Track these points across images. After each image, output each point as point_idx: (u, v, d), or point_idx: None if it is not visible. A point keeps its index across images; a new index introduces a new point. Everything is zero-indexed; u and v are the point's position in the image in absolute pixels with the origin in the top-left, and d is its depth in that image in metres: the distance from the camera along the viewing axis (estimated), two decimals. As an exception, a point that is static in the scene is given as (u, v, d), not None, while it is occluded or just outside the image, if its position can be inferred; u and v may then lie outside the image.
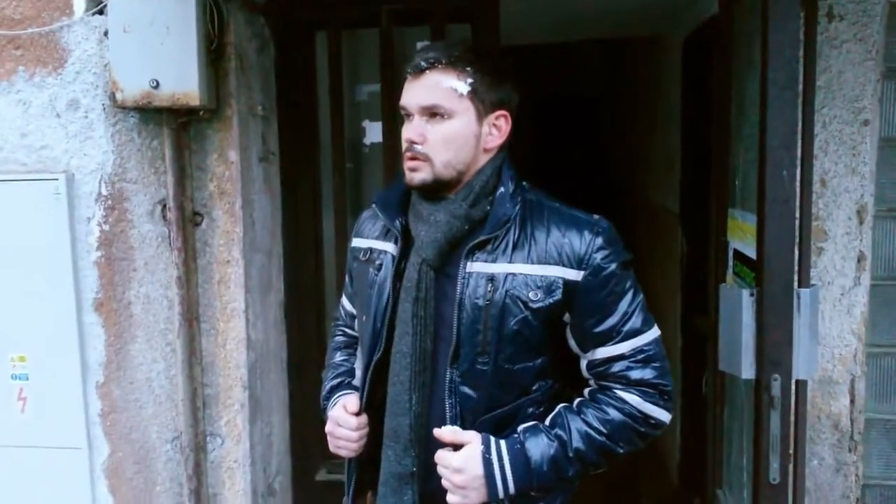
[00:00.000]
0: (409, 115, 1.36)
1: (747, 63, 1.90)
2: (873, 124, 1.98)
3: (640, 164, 4.54)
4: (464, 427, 1.34)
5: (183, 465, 2.27)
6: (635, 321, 1.34)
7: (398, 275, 1.40)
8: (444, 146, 1.33)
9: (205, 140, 2.21)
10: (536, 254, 1.32)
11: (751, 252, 1.73)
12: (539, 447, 1.31)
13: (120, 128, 2.23)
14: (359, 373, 1.55)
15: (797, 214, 1.54)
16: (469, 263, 1.33)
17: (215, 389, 2.29)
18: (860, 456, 2.05)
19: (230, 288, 2.25)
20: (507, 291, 1.31)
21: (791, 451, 1.58)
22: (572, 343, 1.38)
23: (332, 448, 1.48)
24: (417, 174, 1.34)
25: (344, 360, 1.62)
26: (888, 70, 2.01)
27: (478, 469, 1.30)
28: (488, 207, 1.36)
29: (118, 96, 2.08)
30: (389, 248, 1.43)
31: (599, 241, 1.32)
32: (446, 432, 1.32)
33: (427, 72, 1.33)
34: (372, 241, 1.48)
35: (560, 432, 1.33)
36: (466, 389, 1.34)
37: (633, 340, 1.34)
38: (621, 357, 1.34)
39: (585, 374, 1.40)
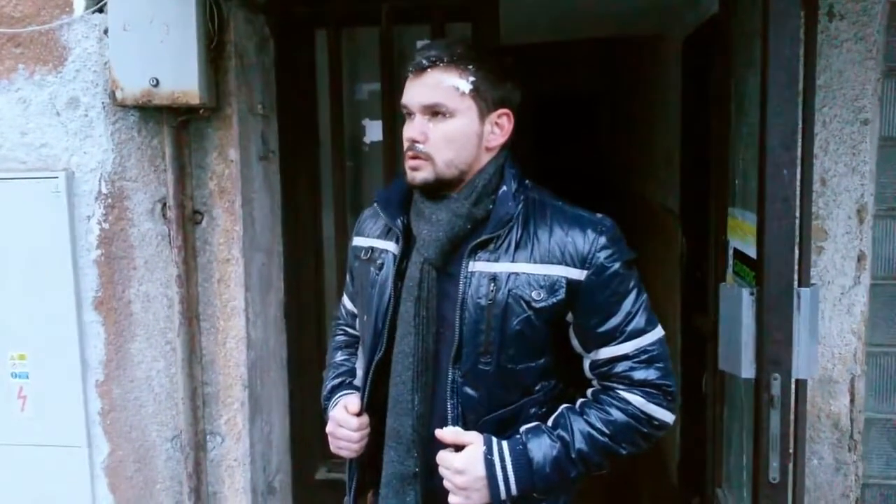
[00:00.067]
0: (410, 113, 1.36)
1: (747, 62, 1.90)
2: (873, 123, 1.98)
3: (640, 162, 4.54)
4: (466, 427, 1.33)
5: (183, 463, 2.27)
6: (639, 321, 1.34)
7: (400, 274, 1.39)
8: (446, 145, 1.32)
9: (205, 138, 2.21)
10: (539, 253, 1.31)
11: (751, 251, 1.73)
12: (541, 448, 1.31)
13: (120, 126, 2.23)
14: (360, 372, 1.55)
15: (797, 214, 1.54)
16: (471, 263, 1.32)
17: (215, 388, 2.29)
18: (860, 455, 2.05)
19: (230, 286, 2.25)
20: (509, 291, 1.30)
21: (791, 451, 1.58)
22: (575, 343, 1.38)
23: (333, 449, 1.47)
24: (419, 173, 1.34)
25: (345, 360, 1.61)
26: (888, 69, 2.00)
27: (480, 470, 1.29)
28: (491, 206, 1.35)
29: (118, 94, 2.08)
30: (391, 247, 1.42)
31: (603, 240, 1.32)
32: (448, 433, 1.32)
33: (429, 70, 1.32)
34: (373, 240, 1.47)
35: (562, 433, 1.32)
36: (468, 390, 1.33)
37: (636, 340, 1.33)
38: (625, 357, 1.33)
39: (588, 374, 1.39)
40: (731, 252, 2.04)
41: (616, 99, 5.79)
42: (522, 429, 1.34)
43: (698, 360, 2.67)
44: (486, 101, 1.34)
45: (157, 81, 2.04)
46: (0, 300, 2.29)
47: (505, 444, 1.31)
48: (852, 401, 2.03)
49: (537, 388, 1.37)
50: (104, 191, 2.25)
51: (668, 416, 1.35)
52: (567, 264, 1.31)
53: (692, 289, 2.96)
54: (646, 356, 1.33)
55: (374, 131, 2.53)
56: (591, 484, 1.46)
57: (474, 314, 1.31)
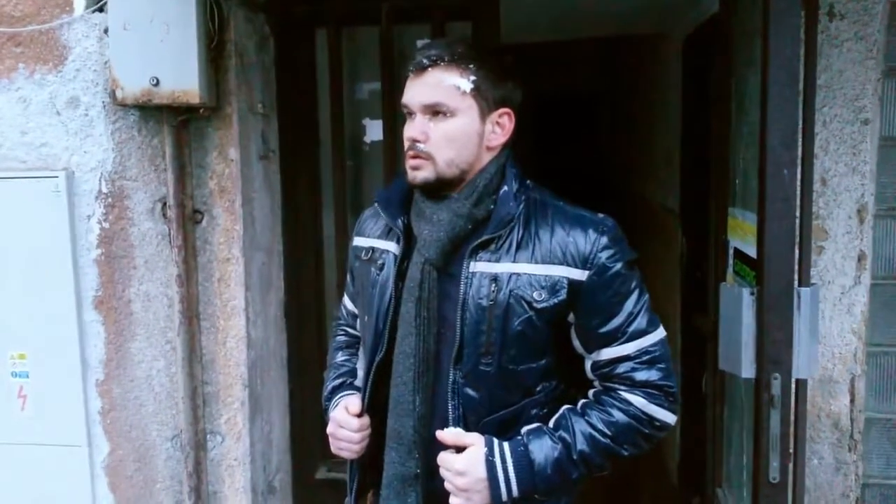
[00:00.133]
0: (411, 113, 1.35)
1: (747, 61, 1.90)
2: (874, 123, 1.98)
3: (640, 162, 4.54)
4: (467, 428, 1.32)
5: (183, 462, 2.27)
6: (641, 321, 1.33)
7: (400, 274, 1.38)
8: (447, 144, 1.32)
9: (205, 138, 2.21)
10: (541, 253, 1.31)
11: (751, 251, 1.73)
12: (543, 450, 1.30)
13: (120, 125, 2.23)
14: (361, 373, 1.54)
15: (798, 213, 1.54)
16: (472, 263, 1.32)
17: (215, 387, 2.29)
18: (860, 455, 2.05)
19: (230, 286, 2.25)
20: (510, 291, 1.30)
21: (791, 450, 1.58)
22: (577, 343, 1.37)
23: (333, 450, 1.47)
24: (420, 173, 1.33)
25: (346, 360, 1.61)
26: (889, 69, 2.00)
27: (481, 472, 1.28)
28: (492, 206, 1.35)
29: (118, 94, 2.08)
30: (391, 247, 1.42)
31: (604, 240, 1.31)
32: (449, 435, 1.31)
33: (429, 69, 1.32)
34: (374, 240, 1.46)
35: (564, 434, 1.31)
36: (469, 391, 1.32)
37: (638, 341, 1.33)
38: (626, 358, 1.33)
39: (590, 374, 1.38)
40: (731, 252, 2.04)
41: (616, 98, 5.79)
42: (524, 430, 1.34)
43: (698, 359, 2.67)
44: (487, 100, 1.33)
45: (158, 81, 2.04)
46: (0, 299, 2.29)
47: (506, 445, 1.31)
48: (852, 401, 2.03)
49: (538, 388, 1.36)
50: (104, 190, 2.25)
51: (669, 417, 1.34)
52: (568, 265, 1.30)
53: (692, 288, 2.96)
54: (647, 357, 1.33)
55: (374, 131, 2.53)
56: (591, 484, 1.45)
57: (475, 315, 1.31)
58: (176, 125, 2.15)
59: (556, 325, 1.34)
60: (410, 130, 1.34)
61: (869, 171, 1.99)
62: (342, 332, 1.65)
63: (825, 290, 2.00)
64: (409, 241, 1.40)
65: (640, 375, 1.32)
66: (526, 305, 1.30)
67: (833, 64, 1.96)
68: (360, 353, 1.57)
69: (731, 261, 2.04)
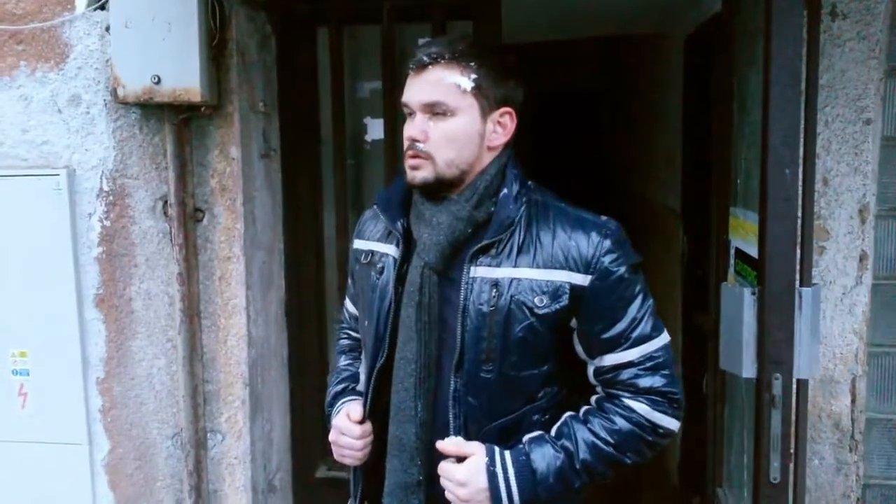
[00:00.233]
0: (411, 112, 1.32)
1: (749, 61, 1.90)
2: (876, 123, 1.98)
3: (641, 162, 4.54)
4: (468, 436, 1.30)
5: (183, 461, 2.27)
6: (644, 327, 1.30)
7: (400, 278, 1.36)
8: (447, 144, 1.29)
9: (206, 136, 2.21)
10: (542, 257, 1.28)
11: (752, 250, 1.73)
12: (545, 459, 1.28)
13: (121, 123, 2.23)
14: (363, 377, 1.52)
15: (799, 213, 1.54)
16: (473, 268, 1.29)
17: (216, 386, 2.29)
18: (861, 455, 2.05)
19: (231, 284, 2.25)
20: (511, 297, 1.27)
21: (792, 451, 1.58)
22: (579, 349, 1.35)
23: (336, 457, 1.45)
24: (419, 173, 1.30)
25: (348, 365, 1.59)
26: (891, 69, 2.00)
27: (482, 482, 1.26)
28: (492, 208, 1.32)
29: (120, 92, 2.08)
30: (391, 250, 1.39)
31: (607, 243, 1.28)
32: (449, 445, 1.29)
33: (429, 67, 1.29)
34: (373, 243, 1.44)
35: (566, 443, 1.29)
36: (471, 399, 1.30)
37: (641, 347, 1.30)
38: (630, 364, 1.30)
39: (592, 380, 1.36)
40: (732, 251, 2.03)
41: (617, 98, 5.79)
42: (525, 438, 1.31)
43: (699, 359, 2.67)
44: (488, 99, 1.31)
45: (159, 79, 2.04)
46: (1, 297, 2.29)
47: (507, 454, 1.28)
48: (853, 401, 2.03)
49: (540, 394, 1.34)
50: (105, 188, 2.25)
51: (673, 424, 1.32)
52: (570, 269, 1.28)
53: (693, 288, 2.96)
54: (651, 363, 1.30)
55: (375, 129, 2.53)
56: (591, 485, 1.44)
57: (476, 321, 1.28)
58: (177, 123, 2.15)
59: (558, 331, 1.31)
60: (410, 130, 1.31)
61: (871, 171, 1.98)
62: (345, 336, 1.63)
63: (826, 291, 2.00)
64: (409, 243, 1.37)
65: (644, 382, 1.30)
66: (527, 311, 1.27)
67: (835, 64, 1.96)
68: (363, 356, 1.55)
69: (732, 260, 2.04)
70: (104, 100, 2.22)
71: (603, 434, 1.29)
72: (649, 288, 1.35)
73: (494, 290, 1.28)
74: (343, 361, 1.60)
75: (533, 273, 1.28)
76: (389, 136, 2.46)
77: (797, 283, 1.51)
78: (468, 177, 1.33)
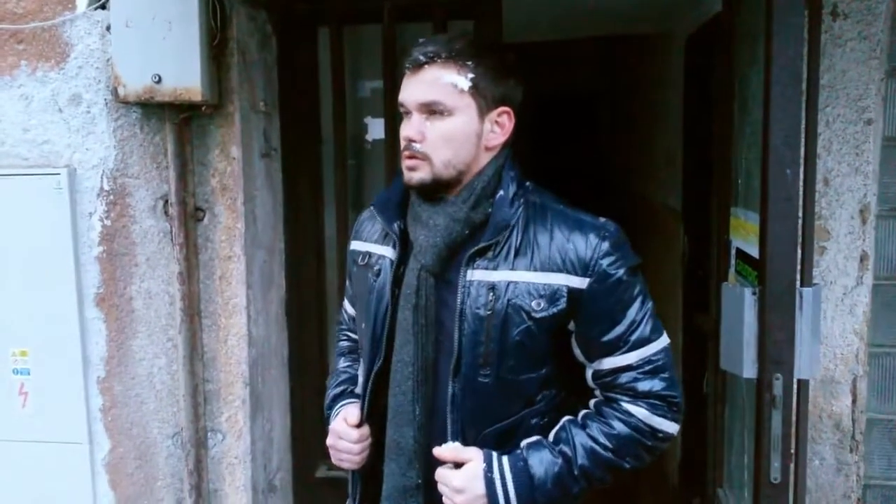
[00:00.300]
0: (407, 112, 1.31)
1: (750, 61, 1.90)
2: (877, 123, 1.98)
3: (641, 162, 4.54)
4: (466, 440, 1.29)
5: (184, 460, 2.27)
6: (644, 330, 1.29)
7: (397, 280, 1.34)
8: (444, 145, 1.27)
9: (207, 135, 2.21)
10: (539, 260, 1.26)
11: (753, 250, 1.73)
12: (543, 464, 1.27)
13: (122, 123, 2.23)
14: (360, 380, 1.50)
15: (800, 213, 1.54)
16: (470, 271, 1.28)
17: (216, 385, 2.29)
18: (861, 456, 2.05)
19: (231, 284, 2.25)
20: (508, 301, 1.26)
21: (792, 451, 1.58)
22: (577, 352, 1.34)
23: (334, 461, 1.44)
24: (416, 174, 1.29)
25: (347, 367, 1.58)
26: (892, 69, 2.00)
27: (479, 489, 1.25)
28: (490, 209, 1.30)
29: (120, 91, 2.08)
30: (388, 252, 1.38)
31: (606, 245, 1.27)
32: (446, 451, 1.28)
33: (426, 66, 1.27)
34: (370, 244, 1.42)
35: (564, 448, 1.28)
36: (468, 402, 1.29)
37: (640, 350, 1.29)
38: (628, 368, 1.29)
39: (591, 383, 1.35)
40: (733, 251, 2.03)
41: (617, 98, 5.79)
42: (523, 443, 1.30)
43: (700, 359, 2.67)
44: (485, 98, 1.29)
45: (160, 78, 2.04)
46: (2, 297, 2.29)
47: (505, 460, 1.27)
48: (854, 401, 2.03)
49: (539, 398, 1.33)
50: (106, 187, 2.25)
51: (672, 428, 1.31)
52: (568, 272, 1.26)
53: (694, 288, 2.96)
54: (650, 367, 1.29)
55: (376, 129, 2.53)
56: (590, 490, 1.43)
57: (473, 325, 1.27)
58: (178, 123, 2.15)
59: (555, 334, 1.30)
60: (407, 130, 1.29)
61: (872, 172, 1.98)
62: (345, 338, 1.62)
63: (827, 291, 1.99)
64: (405, 245, 1.35)
65: (643, 386, 1.28)
66: (524, 315, 1.26)
67: (836, 64, 1.96)
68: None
69: (733, 260, 2.04)
70: (105, 99, 2.22)
71: (601, 439, 1.28)
72: (650, 288, 1.34)
73: (491, 294, 1.26)
74: (342, 363, 1.59)
75: (530, 276, 1.26)
76: (390, 135, 2.46)
77: (798, 283, 1.51)
78: (465, 177, 1.31)
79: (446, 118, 1.28)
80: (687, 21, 2.98)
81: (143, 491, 2.35)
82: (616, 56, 5.50)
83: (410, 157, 1.29)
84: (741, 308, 1.52)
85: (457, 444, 1.29)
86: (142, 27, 2.03)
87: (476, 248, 1.28)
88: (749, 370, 1.53)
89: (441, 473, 1.29)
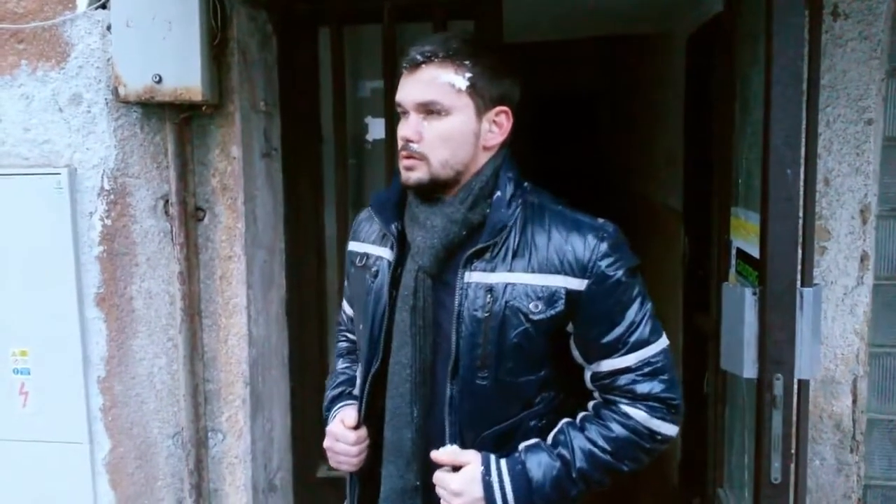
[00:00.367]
0: (405, 111, 1.30)
1: (751, 61, 1.90)
2: (877, 123, 1.98)
3: (642, 162, 4.54)
4: (464, 443, 1.29)
5: (184, 460, 2.27)
6: (643, 331, 1.28)
7: (394, 282, 1.33)
8: (442, 144, 1.27)
9: (207, 135, 2.21)
10: (537, 261, 1.26)
11: (753, 251, 1.73)
12: (541, 468, 1.26)
13: (122, 122, 2.23)
14: (358, 381, 1.49)
15: (800, 213, 1.54)
16: (467, 273, 1.27)
17: (217, 385, 2.29)
18: (862, 456, 2.05)
19: (232, 284, 2.25)
20: (506, 303, 1.25)
21: (793, 451, 1.58)
22: (576, 354, 1.33)
23: (332, 464, 1.43)
24: (413, 174, 1.28)
25: (346, 368, 1.57)
26: (893, 69, 2.00)
27: (477, 492, 1.25)
28: (488, 210, 1.29)
29: (121, 91, 2.08)
30: (385, 253, 1.37)
31: (604, 246, 1.26)
32: (444, 455, 1.27)
33: (423, 66, 1.26)
34: (368, 245, 1.42)
35: (563, 451, 1.27)
36: (466, 405, 1.28)
37: (639, 352, 1.28)
38: (627, 370, 1.28)
39: (590, 385, 1.34)
40: (733, 251, 2.03)
41: (617, 98, 5.78)
42: (521, 446, 1.30)
43: (700, 359, 2.67)
44: (483, 98, 1.28)
45: (160, 78, 2.04)
46: (2, 296, 2.29)
47: (503, 463, 1.27)
48: (854, 402, 2.03)
49: (538, 400, 1.32)
50: (106, 187, 2.25)
51: (672, 430, 1.30)
52: (566, 273, 1.25)
53: (694, 288, 2.96)
54: (649, 368, 1.28)
55: (376, 129, 2.53)
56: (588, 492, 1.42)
57: (471, 327, 1.26)
58: (178, 122, 2.15)
59: (553, 336, 1.29)
60: (404, 129, 1.29)
61: (872, 172, 1.98)
62: (343, 338, 1.61)
63: (828, 291, 1.99)
64: (403, 246, 1.35)
65: (642, 388, 1.28)
66: (522, 317, 1.25)
67: (837, 64, 1.96)
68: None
69: (733, 260, 2.04)
70: (105, 99, 2.22)
71: (600, 442, 1.28)
72: (650, 288, 1.33)
73: (489, 296, 1.25)
74: (340, 365, 1.58)
75: (528, 278, 1.26)
76: (391, 135, 2.46)
77: (798, 283, 1.51)
78: (463, 177, 1.30)
79: (444, 118, 1.27)
80: (687, 21, 2.98)
81: (144, 491, 2.35)
82: (617, 56, 5.49)
83: (408, 157, 1.29)
84: (742, 308, 1.52)
85: (454, 447, 1.28)
86: (142, 27, 2.03)
87: (473, 249, 1.27)
88: (749, 370, 1.53)
89: (439, 477, 1.28)
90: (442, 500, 1.28)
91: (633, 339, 1.28)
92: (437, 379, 1.31)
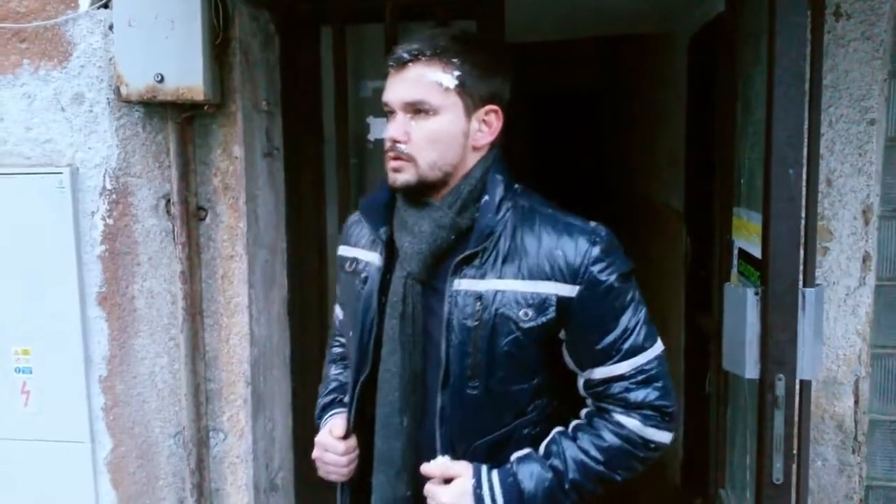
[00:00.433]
0: (392, 111, 1.26)
1: (753, 61, 1.90)
2: (880, 124, 1.97)
3: (643, 162, 4.53)
4: (455, 453, 1.26)
5: (185, 459, 2.27)
6: (636, 338, 1.25)
7: (384, 288, 1.30)
8: (430, 145, 1.24)
9: (209, 135, 2.21)
10: (528, 267, 1.22)
11: (755, 251, 1.73)
12: (533, 479, 1.24)
13: (124, 122, 2.23)
14: (348, 389, 1.46)
15: (803, 214, 1.54)
16: (457, 280, 1.24)
17: (218, 384, 2.29)
18: (864, 457, 2.05)
19: (234, 283, 2.25)
20: (496, 311, 1.22)
21: (794, 452, 1.58)
22: (568, 360, 1.30)
23: (321, 474, 1.41)
24: (401, 175, 1.25)
25: (338, 375, 1.54)
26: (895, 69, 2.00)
27: None
28: (477, 214, 1.26)
29: (123, 90, 2.08)
30: (374, 259, 1.34)
31: (596, 251, 1.22)
32: (435, 468, 1.25)
33: (410, 64, 1.24)
34: (357, 250, 1.39)
35: (555, 462, 1.25)
36: (457, 415, 1.25)
37: (633, 359, 1.25)
38: (621, 378, 1.25)
39: (582, 392, 1.32)
40: (735, 251, 2.03)
41: (618, 98, 5.78)
42: (513, 457, 1.27)
43: (702, 359, 2.66)
44: (472, 96, 1.25)
45: (162, 77, 2.04)
46: (4, 295, 2.29)
47: (495, 475, 1.24)
48: (856, 402, 2.03)
49: (530, 408, 1.29)
50: (108, 186, 2.25)
51: (666, 438, 1.28)
52: (557, 280, 1.22)
53: (696, 288, 2.95)
54: (643, 376, 1.26)
55: (378, 129, 2.52)
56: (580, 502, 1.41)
57: (460, 335, 1.23)
58: (180, 122, 2.15)
59: (545, 344, 1.26)
60: (391, 130, 1.25)
61: (874, 172, 1.98)
62: (336, 343, 1.58)
63: (829, 291, 1.99)
64: (392, 251, 1.32)
65: (636, 396, 1.25)
66: (512, 325, 1.22)
67: (839, 64, 1.95)
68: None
69: (735, 260, 2.04)
70: (107, 98, 2.22)
71: (593, 452, 1.25)
72: (652, 289, 1.34)
73: (479, 304, 1.22)
74: (332, 371, 1.56)
75: (518, 285, 1.23)
76: (392, 135, 2.46)
77: (800, 283, 1.51)
78: (452, 179, 1.27)
79: (431, 118, 1.24)
80: (689, 21, 2.98)
81: (145, 490, 2.35)
82: (618, 56, 5.49)
83: (395, 159, 1.26)
84: (743, 308, 1.52)
85: (445, 459, 1.26)
86: (144, 26, 2.03)
87: (462, 256, 1.24)
88: (751, 371, 1.52)
89: (430, 489, 1.26)
90: None
91: (626, 346, 1.25)
92: (427, 388, 1.29)
